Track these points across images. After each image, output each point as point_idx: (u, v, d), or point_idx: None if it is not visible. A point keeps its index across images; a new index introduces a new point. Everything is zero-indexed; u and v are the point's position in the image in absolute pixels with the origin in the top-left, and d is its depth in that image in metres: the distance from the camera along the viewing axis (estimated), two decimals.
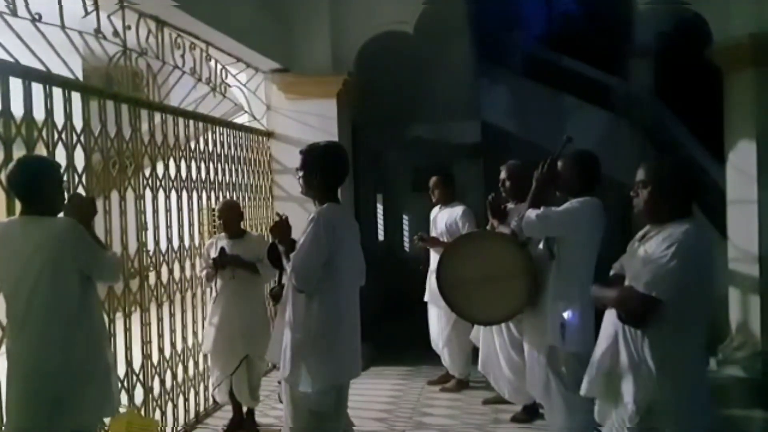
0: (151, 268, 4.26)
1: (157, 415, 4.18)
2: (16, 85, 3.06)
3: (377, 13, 6.16)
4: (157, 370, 4.23)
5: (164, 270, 4.41)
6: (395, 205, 9.64)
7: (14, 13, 3.16)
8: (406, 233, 9.72)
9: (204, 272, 4.51)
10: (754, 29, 5.41)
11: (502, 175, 4.57)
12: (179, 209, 4.60)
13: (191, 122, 4.83)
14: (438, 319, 5.39)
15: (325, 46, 6.07)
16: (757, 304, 5.54)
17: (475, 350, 5.06)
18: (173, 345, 4.45)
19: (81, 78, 4.01)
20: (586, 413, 3.26)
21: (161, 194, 4.38)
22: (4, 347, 2.81)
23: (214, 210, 4.97)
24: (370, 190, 8.99)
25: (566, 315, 3.54)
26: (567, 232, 3.62)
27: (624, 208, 3.25)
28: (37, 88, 3.21)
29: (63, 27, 3.47)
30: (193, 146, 4.80)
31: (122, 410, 3.20)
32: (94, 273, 2.88)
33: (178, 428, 4.44)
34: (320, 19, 6.07)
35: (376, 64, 6.46)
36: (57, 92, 3.38)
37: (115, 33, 3.87)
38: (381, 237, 9.64)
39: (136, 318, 4.01)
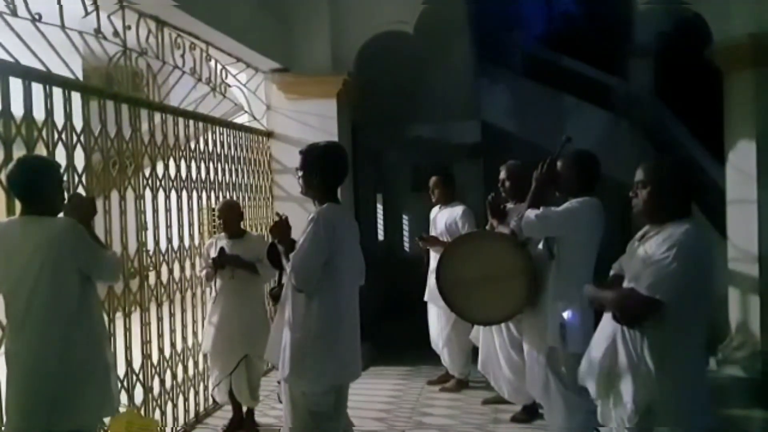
0: (151, 268, 4.26)
1: (157, 414, 4.18)
2: (16, 84, 3.06)
3: (377, 13, 6.15)
4: (157, 369, 4.23)
5: (164, 270, 4.42)
6: (395, 205, 9.64)
7: (14, 13, 3.16)
8: (405, 233, 9.72)
9: (204, 272, 4.51)
10: (754, 29, 5.41)
11: (502, 175, 4.57)
12: (179, 209, 4.60)
13: (191, 122, 4.83)
14: (438, 319, 5.40)
15: (325, 46, 6.07)
16: (756, 304, 5.54)
17: (475, 350, 5.06)
18: (173, 345, 4.45)
19: (81, 78, 4.00)
20: (585, 413, 3.27)
21: (161, 194, 4.38)
22: (3, 347, 2.81)
23: (214, 210, 4.97)
24: (370, 190, 8.99)
25: (566, 315, 3.54)
26: (566, 232, 3.62)
27: (624, 208, 3.24)
28: (37, 88, 3.21)
29: (63, 27, 3.47)
30: (193, 146, 4.80)
31: (122, 410, 3.20)
32: (93, 273, 2.89)
33: (178, 428, 4.44)
34: (320, 19, 6.07)
35: (376, 64, 6.46)
36: (57, 92, 3.38)
37: (115, 33, 3.88)
38: (381, 237, 9.64)
39: (135, 318, 4.01)
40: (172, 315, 4.46)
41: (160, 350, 4.29)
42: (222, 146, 5.31)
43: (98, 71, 4.29)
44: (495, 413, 4.80)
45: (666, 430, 2.51)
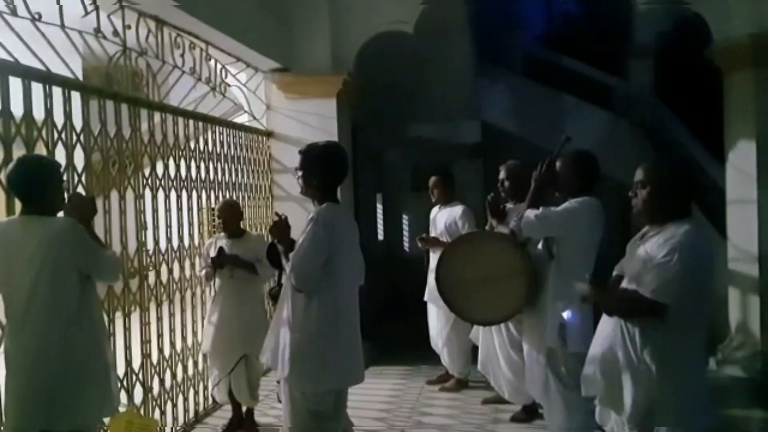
0: (151, 268, 4.26)
1: (157, 414, 4.18)
2: (15, 84, 3.06)
3: (377, 13, 6.15)
4: (157, 369, 4.23)
5: (164, 270, 4.41)
6: (395, 204, 9.65)
7: (14, 12, 3.16)
8: (405, 233, 9.73)
9: (203, 272, 4.52)
10: (754, 29, 5.41)
11: (502, 175, 4.57)
12: (179, 209, 4.59)
13: (191, 122, 4.83)
14: (437, 319, 5.40)
15: (324, 46, 6.06)
16: (756, 303, 5.54)
17: (475, 350, 5.06)
18: (173, 344, 4.45)
19: (81, 77, 4.00)
20: (585, 413, 3.27)
21: (161, 194, 4.38)
22: (3, 346, 2.81)
23: (213, 210, 4.97)
24: (370, 190, 8.99)
25: (565, 315, 3.54)
26: (566, 232, 3.62)
27: (624, 208, 3.25)
28: (36, 88, 3.20)
29: (63, 27, 3.47)
30: (192, 146, 4.80)
31: (122, 410, 3.21)
32: (93, 272, 2.89)
33: (178, 428, 4.44)
34: (320, 19, 6.07)
35: (376, 64, 6.46)
36: (57, 92, 3.37)
37: (115, 32, 3.87)
38: (380, 237, 9.64)
39: (135, 317, 4.01)
40: (171, 315, 4.46)
41: (160, 350, 4.29)
42: (222, 146, 5.31)
43: (98, 71, 4.29)
44: (495, 413, 4.79)
45: (666, 430, 2.51)
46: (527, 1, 12.95)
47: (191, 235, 4.72)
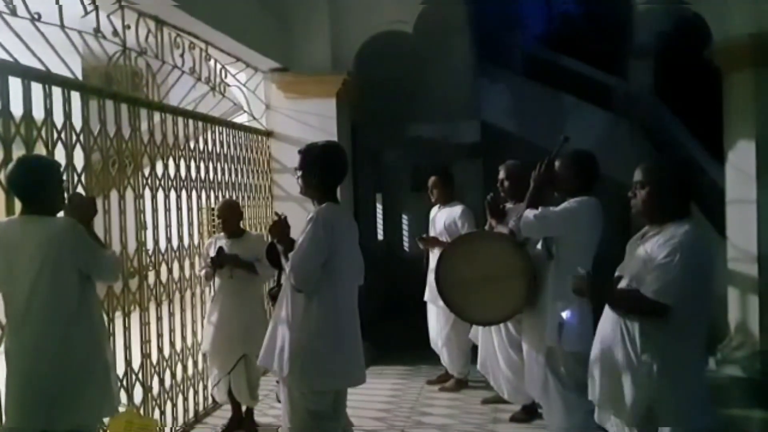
0: (151, 268, 4.26)
1: (157, 414, 4.18)
2: (15, 84, 3.06)
3: (376, 13, 6.15)
4: (157, 369, 4.23)
5: (163, 269, 4.42)
6: (394, 204, 9.65)
7: (14, 12, 3.16)
8: (405, 233, 9.73)
9: (203, 271, 4.52)
10: (753, 29, 5.42)
11: (501, 174, 4.57)
12: (179, 209, 4.59)
13: (191, 122, 4.83)
14: (437, 319, 5.40)
15: (324, 46, 6.06)
16: (755, 303, 5.54)
17: (474, 349, 5.06)
18: (172, 344, 4.45)
19: (80, 77, 4.00)
20: (584, 413, 3.27)
21: (161, 194, 4.38)
22: (3, 346, 2.81)
23: (213, 209, 4.97)
24: (370, 190, 8.99)
25: (565, 315, 3.55)
26: (565, 232, 3.62)
27: (624, 208, 3.25)
28: (36, 88, 3.20)
29: (62, 26, 3.47)
30: (192, 146, 4.80)
31: (121, 409, 3.21)
32: (93, 272, 2.89)
33: (178, 427, 4.44)
34: (320, 19, 6.06)
35: (376, 64, 6.46)
36: (56, 92, 3.37)
37: (115, 32, 3.87)
38: (380, 237, 9.64)
39: (135, 317, 4.01)
40: (171, 314, 4.46)
41: (160, 350, 4.29)
42: (221, 146, 5.31)
43: (97, 71, 4.30)
44: (494, 413, 4.80)
45: (666, 430, 2.51)
46: (527, 1, 12.96)
47: (191, 235, 4.72)
